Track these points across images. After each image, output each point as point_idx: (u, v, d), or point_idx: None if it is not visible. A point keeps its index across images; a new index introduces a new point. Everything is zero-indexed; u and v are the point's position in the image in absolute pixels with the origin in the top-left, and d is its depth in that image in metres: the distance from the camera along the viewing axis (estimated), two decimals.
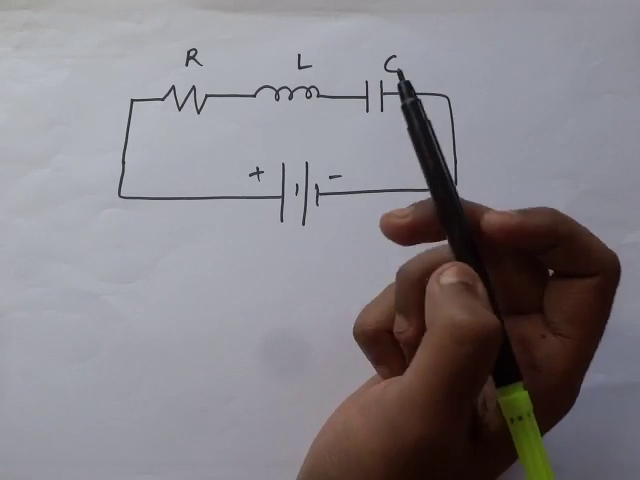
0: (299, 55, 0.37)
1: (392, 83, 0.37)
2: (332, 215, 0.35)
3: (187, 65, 0.38)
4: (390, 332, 0.25)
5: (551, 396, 0.23)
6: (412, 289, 0.24)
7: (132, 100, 0.37)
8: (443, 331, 0.22)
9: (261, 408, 0.32)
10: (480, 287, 0.22)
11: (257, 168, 0.36)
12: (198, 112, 0.37)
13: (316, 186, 0.35)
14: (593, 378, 0.31)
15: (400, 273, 0.25)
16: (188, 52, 0.38)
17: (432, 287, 0.23)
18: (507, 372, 0.23)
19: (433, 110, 0.37)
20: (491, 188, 0.35)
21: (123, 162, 0.36)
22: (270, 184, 0.35)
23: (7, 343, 0.33)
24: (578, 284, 0.23)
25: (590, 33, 0.37)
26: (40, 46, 0.38)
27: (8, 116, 0.37)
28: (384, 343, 0.26)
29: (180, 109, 0.37)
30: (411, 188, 0.35)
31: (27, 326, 0.33)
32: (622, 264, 0.33)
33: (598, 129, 0.36)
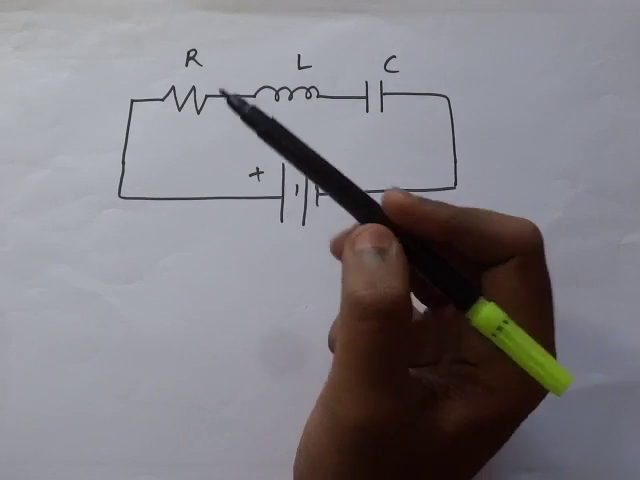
0: (299, 55, 0.37)
1: (392, 83, 0.37)
2: (332, 215, 0.34)
3: (187, 65, 0.38)
4: None
5: (517, 386, 0.22)
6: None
7: (132, 100, 0.37)
8: (347, 309, 0.21)
9: (261, 408, 0.32)
10: (394, 249, 0.22)
11: (257, 168, 0.36)
12: (198, 112, 0.37)
13: (316, 186, 0.35)
14: (593, 378, 0.31)
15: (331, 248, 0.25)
16: (188, 52, 0.38)
17: (345, 254, 0.22)
18: (464, 295, 0.22)
19: (433, 110, 0.37)
20: (490, 188, 0.35)
21: (123, 162, 0.36)
22: (270, 184, 0.35)
23: (7, 343, 0.33)
24: (501, 272, 0.22)
25: (590, 34, 0.37)
26: (40, 47, 0.38)
27: (8, 116, 0.37)
28: None
29: (180, 109, 0.37)
30: (411, 188, 0.35)
31: (27, 326, 0.33)
32: (621, 264, 0.34)
33: (598, 129, 0.36)
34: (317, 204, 0.35)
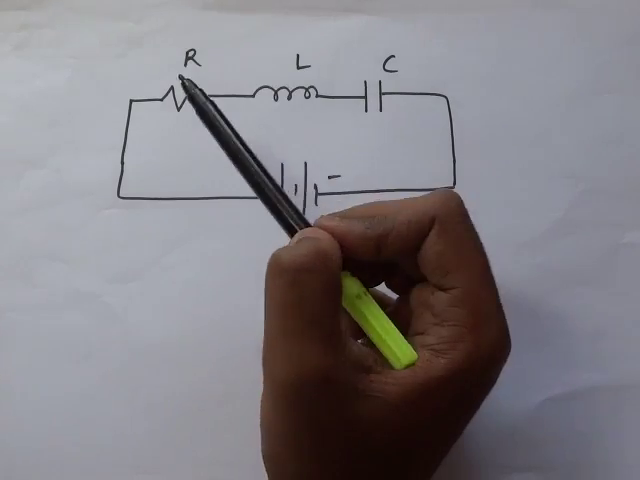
0: (298, 55, 0.37)
1: (391, 83, 0.37)
2: None
3: (186, 65, 0.38)
4: None
5: (462, 342, 0.22)
6: None
7: (131, 100, 0.37)
8: (269, 268, 0.22)
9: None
10: (326, 236, 0.23)
11: None
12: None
13: (315, 186, 0.35)
14: (592, 378, 0.31)
15: None
16: (187, 52, 0.38)
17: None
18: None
19: (432, 110, 0.37)
20: (490, 188, 0.35)
21: (122, 163, 0.36)
22: None
23: (7, 343, 0.33)
24: (426, 243, 0.23)
25: (592, 33, 0.37)
26: (39, 46, 0.38)
27: (7, 117, 0.37)
28: None
29: (179, 109, 0.37)
30: (410, 188, 0.35)
31: (27, 326, 0.33)
32: (621, 264, 0.34)
33: (598, 129, 0.36)
34: (316, 204, 0.35)
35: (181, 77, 0.30)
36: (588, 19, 0.38)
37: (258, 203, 0.36)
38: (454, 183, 0.35)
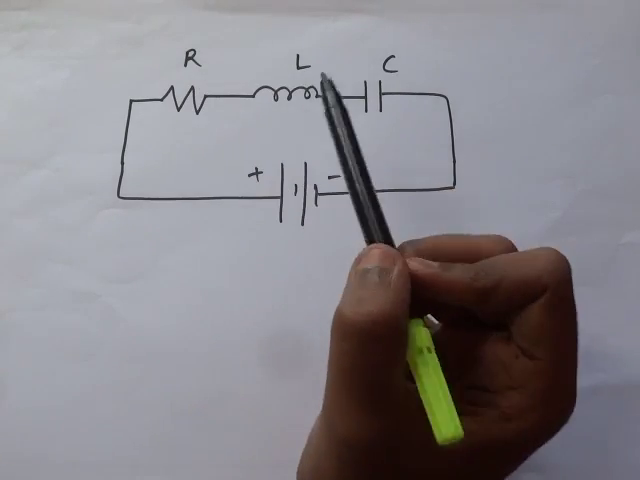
0: (298, 55, 0.37)
1: (391, 83, 0.37)
2: (331, 215, 0.35)
3: (186, 65, 0.38)
4: None
5: (532, 415, 0.22)
6: None
7: (131, 101, 0.37)
8: (333, 326, 0.21)
9: (261, 408, 0.32)
10: (396, 271, 0.22)
11: (256, 168, 0.36)
12: (197, 112, 0.37)
13: (315, 186, 0.35)
14: (592, 378, 0.31)
15: None
16: (187, 52, 0.38)
17: (349, 273, 0.23)
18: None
19: (432, 110, 0.37)
20: (489, 188, 0.35)
21: (122, 163, 0.36)
22: (269, 184, 0.35)
23: (7, 343, 0.33)
24: (530, 309, 0.22)
25: (588, 33, 0.37)
26: (39, 47, 0.38)
27: (7, 117, 0.37)
28: None
29: (179, 109, 0.37)
30: (410, 188, 0.35)
31: (27, 326, 0.33)
32: (621, 264, 0.34)
33: (597, 129, 0.36)
34: (316, 204, 0.35)
35: (323, 75, 0.28)
36: (586, 20, 0.38)
37: (258, 203, 0.36)
38: (454, 183, 0.35)
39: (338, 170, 0.35)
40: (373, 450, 0.21)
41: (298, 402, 0.32)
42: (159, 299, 0.34)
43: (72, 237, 0.35)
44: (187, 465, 0.32)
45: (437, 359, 0.22)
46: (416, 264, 0.22)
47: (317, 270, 0.34)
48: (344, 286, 0.32)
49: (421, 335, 0.22)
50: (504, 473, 0.24)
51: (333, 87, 0.28)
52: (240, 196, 0.35)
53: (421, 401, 0.22)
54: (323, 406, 0.23)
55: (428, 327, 0.23)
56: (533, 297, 0.22)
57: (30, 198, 0.35)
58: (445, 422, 0.21)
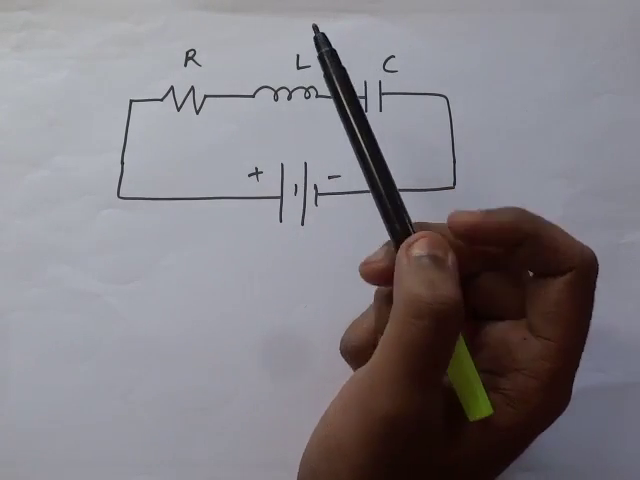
0: (298, 55, 0.37)
1: (391, 83, 0.37)
2: (331, 215, 0.35)
3: (186, 65, 0.38)
4: (375, 347, 0.25)
5: (535, 398, 0.22)
6: (388, 305, 0.24)
7: (131, 101, 0.37)
8: (403, 305, 0.22)
9: (260, 408, 0.32)
10: (450, 260, 0.23)
11: (256, 168, 0.36)
12: (197, 112, 0.37)
13: (315, 186, 0.35)
14: (592, 377, 0.31)
15: (376, 292, 0.26)
16: (187, 52, 0.38)
17: (400, 259, 0.23)
18: None
19: (432, 110, 0.37)
20: (489, 188, 0.35)
21: (122, 163, 0.36)
22: (269, 184, 0.35)
23: (7, 343, 0.33)
24: (552, 284, 0.23)
25: (588, 33, 0.37)
26: (39, 47, 0.38)
27: (7, 117, 0.37)
28: (369, 358, 0.25)
29: (179, 109, 0.37)
30: (410, 188, 0.35)
31: (27, 326, 0.33)
32: (620, 263, 0.34)
33: (596, 129, 0.36)
34: (316, 204, 0.35)
35: (315, 27, 0.27)
36: (586, 20, 0.38)
37: (258, 203, 0.36)
38: (454, 183, 0.35)
39: (338, 170, 0.35)
40: (408, 426, 0.22)
41: (297, 402, 0.32)
42: (159, 299, 0.34)
43: (72, 237, 0.35)
44: (187, 465, 0.32)
45: (464, 341, 0.23)
46: (460, 213, 0.23)
47: (317, 270, 0.34)
48: (344, 286, 0.32)
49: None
50: (508, 459, 0.24)
51: (329, 43, 0.27)
52: (240, 196, 0.35)
53: (452, 390, 0.23)
54: (357, 390, 0.23)
55: None
56: (560, 270, 0.22)
57: (30, 198, 0.35)
58: (477, 401, 0.22)
